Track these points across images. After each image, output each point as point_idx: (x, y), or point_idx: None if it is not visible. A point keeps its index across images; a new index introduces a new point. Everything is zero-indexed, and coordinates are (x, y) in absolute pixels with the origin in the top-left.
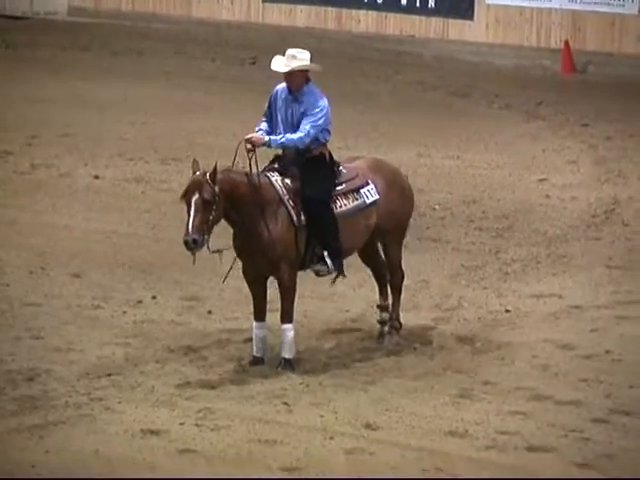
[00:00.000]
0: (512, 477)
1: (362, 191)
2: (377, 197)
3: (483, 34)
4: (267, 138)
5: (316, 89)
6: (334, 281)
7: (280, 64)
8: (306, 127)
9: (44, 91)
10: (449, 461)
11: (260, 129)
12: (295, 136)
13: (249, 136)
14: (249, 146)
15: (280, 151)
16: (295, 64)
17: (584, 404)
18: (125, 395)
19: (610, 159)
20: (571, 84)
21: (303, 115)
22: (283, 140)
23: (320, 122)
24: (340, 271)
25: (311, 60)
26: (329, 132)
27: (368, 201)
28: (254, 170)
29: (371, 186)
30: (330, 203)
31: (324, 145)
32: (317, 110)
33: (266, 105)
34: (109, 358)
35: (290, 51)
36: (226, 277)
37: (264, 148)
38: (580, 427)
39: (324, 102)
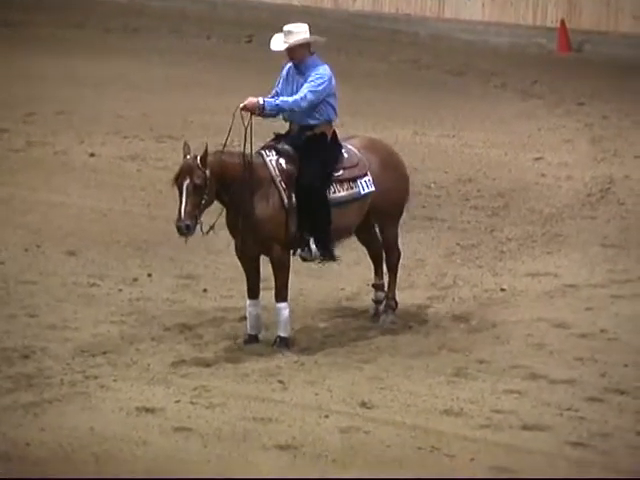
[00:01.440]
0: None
1: (359, 181)
2: (372, 189)
3: (479, 13)
4: (262, 101)
5: (320, 61)
6: (321, 263)
7: (278, 42)
8: (304, 90)
9: (40, 68)
10: (444, 440)
11: (275, 92)
12: (291, 99)
13: (243, 104)
14: (245, 113)
15: (282, 130)
16: (292, 39)
17: (579, 383)
18: (120, 373)
19: (606, 138)
20: (567, 63)
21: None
22: (278, 102)
23: (319, 88)
24: (328, 256)
25: (310, 33)
26: (334, 109)
27: (363, 192)
28: (248, 144)
29: (368, 177)
30: (325, 191)
31: (328, 124)
32: (317, 76)
33: (276, 84)
34: (104, 336)
35: (287, 27)
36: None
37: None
38: (575, 406)
39: (326, 71)
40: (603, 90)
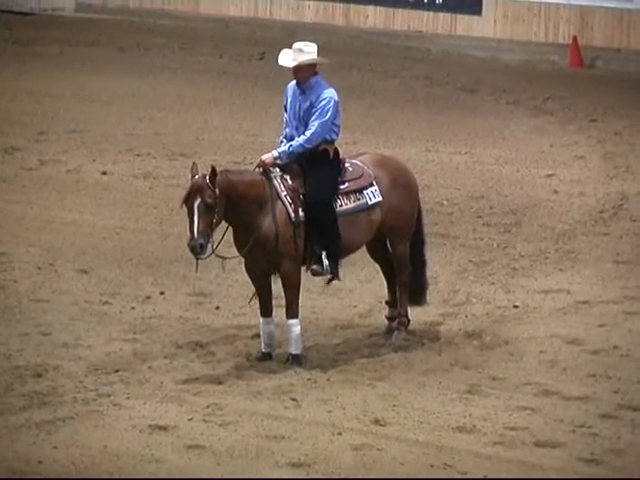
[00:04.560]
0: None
1: (365, 192)
2: (380, 199)
3: (491, 29)
4: (277, 154)
5: (323, 81)
6: (328, 283)
7: (287, 58)
8: (314, 124)
9: (51, 87)
10: (457, 457)
11: (283, 140)
12: (300, 139)
13: (260, 162)
14: (262, 169)
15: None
16: (302, 58)
17: (592, 399)
18: (133, 391)
19: (618, 154)
20: (579, 79)
21: (310, 108)
22: (291, 150)
23: (327, 117)
24: (335, 273)
25: (318, 53)
26: (338, 128)
27: (370, 202)
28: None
29: (375, 187)
30: (332, 204)
31: (330, 143)
32: (323, 103)
33: (283, 107)
34: (117, 354)
35: (297, 45)
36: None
37: None
38: (588, 422)
39: (330, 93)
40: (615, 106)
